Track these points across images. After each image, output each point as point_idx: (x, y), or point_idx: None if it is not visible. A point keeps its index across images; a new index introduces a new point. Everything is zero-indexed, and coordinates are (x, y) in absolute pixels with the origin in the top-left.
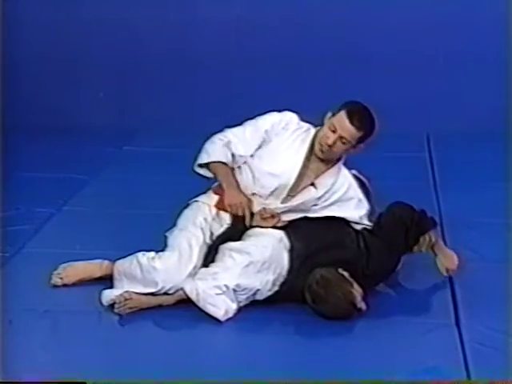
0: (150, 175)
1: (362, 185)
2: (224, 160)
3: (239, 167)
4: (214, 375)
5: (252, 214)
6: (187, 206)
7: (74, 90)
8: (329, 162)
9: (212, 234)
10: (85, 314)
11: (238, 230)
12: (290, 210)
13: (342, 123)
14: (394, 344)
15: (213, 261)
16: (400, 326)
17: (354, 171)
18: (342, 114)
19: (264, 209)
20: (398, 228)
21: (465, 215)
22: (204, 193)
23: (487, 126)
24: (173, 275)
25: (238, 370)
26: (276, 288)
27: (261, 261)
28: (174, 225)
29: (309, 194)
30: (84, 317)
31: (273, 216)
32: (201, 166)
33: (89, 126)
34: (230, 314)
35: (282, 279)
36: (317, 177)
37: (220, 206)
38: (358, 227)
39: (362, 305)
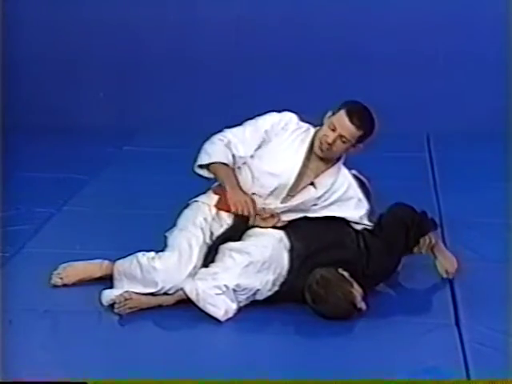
0: (149, 175)
1: (361, 185)
2: (225, 161)
3: (239, 167)
4: (214, 375)
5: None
6: (187, 206)
7: (74, 90)
8: (328, 161)
9: (212, 233)
10: (85, 313)
11: (238, 230)
12: (289, 210)
13: (342, 122)
14: (394, 344)
15: (213, 261)
16: (400, 326)
17: (353, 171)
18: (342, 113)
19: (263, 209)
20: (399, 228)
21: (465, 215)
22: (204, 193)
23: (487, 126)
24: (173, 275)
25: (238, 369)
26: (276, 288)
27: (261, 261)
28: (174, 225)
29: (308, 194)
30: (84, 317)
31: (272, 216)
32: (201, 166)
33: (89, 126)
34: (230, 314)
35: (281, 279)
36: (316, 176)
37: (220, 206)
38: (358, 227)
39: (362, 305)
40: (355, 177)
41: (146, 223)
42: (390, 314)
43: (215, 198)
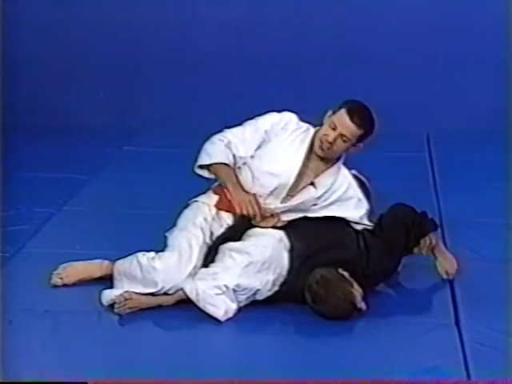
0: (150, 175)
1: (361, 185)
2: (226, 161)
3: (239, 167)
4: (214, 375)
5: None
6: (187, 206)
7: (74, 90)
8: (328, 161)
9: (212, 233)
10: (85, 313)
11: (238, 230)
12: (289, 210)
13: (343, 121)
14: (394, 344)
15: (213, 261)
16: (400, 326)
17: (353, 171)
18: (343, 112)
19: (264, 209)
20: (399, 229)
21: (465, 215)
22: (204, 193)
23: (487, 126)
24: (173, 275)
25: (238, 369)
26: (276, 288)
27: (261, 261)
28: (174, 225)
29: (308, 194)
30: (84, 317)
31: (272, 216)
32: (201, 167)
33: (89, 126)
34: (230, 314)
35: (281, 279)
36: (316, 176)
37: (220, 206)
38: (358, 227)
39: (362, 305)
40: (355, 177)
41: (146, 223)
42: (390, 314)
43: (215, 197)
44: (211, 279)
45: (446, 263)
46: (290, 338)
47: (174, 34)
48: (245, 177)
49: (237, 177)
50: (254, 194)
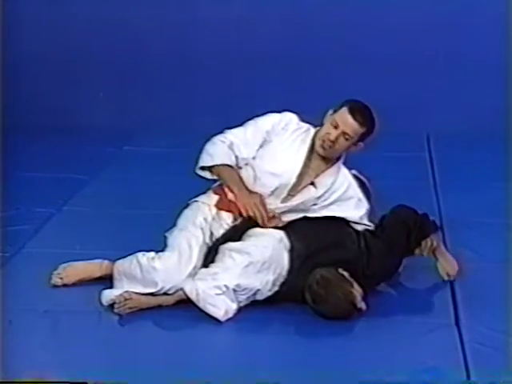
0: (150, 175)
1: (361, 185)
2: (229, 163)
3: (240, 168)
4: (213, 375)
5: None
6: (187, 206)
7: (74, 90)
8: (329, 160)
9: (212, 234)
10: (85, 313)
11: (238, 230)
12: (289, 210)
13: (345, 119)
14: (394, 344)
15: (213, 261)
16: (400, 326)
17: (353, 171)
18: (345, 110)
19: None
20: (401, 230)
21: (465, 215)
22: (204, 193)
23: (487, 126)
24: (172, 275)
25: (238, 370)
26: (276, 288)
27: (261, 261)
28: (174, 225)
29: (308, 194)
30: (84, 317)
31: (274, 217)
32: (203, 168)
33: (89, 126)
34: (230, 314)
35: (282, 279)
36: (317, 176)
37: (220, 206)
38: (359, 227)
39: (362, 305)
40: (355, 177)
41: (146, 223)
42: (390, 313)
43: (215, 197)
44: (211, 279)
45: (447, 265)
46: (290, 338)
47: (174, 34)
48: (246, 177)
49: (241, 178)
50: (260, 195)
